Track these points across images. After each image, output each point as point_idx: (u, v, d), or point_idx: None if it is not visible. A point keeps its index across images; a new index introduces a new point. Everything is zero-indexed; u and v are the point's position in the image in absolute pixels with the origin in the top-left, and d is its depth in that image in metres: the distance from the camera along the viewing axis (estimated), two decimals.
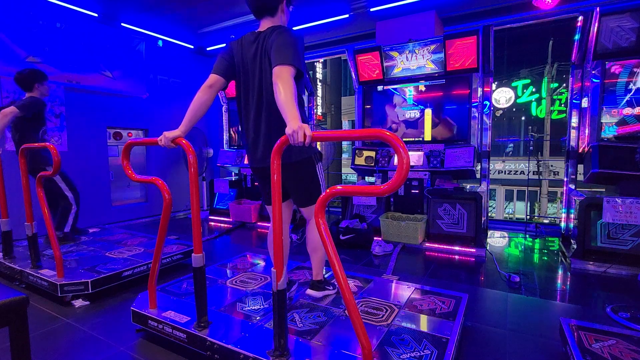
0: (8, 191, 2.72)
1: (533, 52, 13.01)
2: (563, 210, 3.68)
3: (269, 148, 1.72)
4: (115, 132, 4.81)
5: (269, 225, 2.16)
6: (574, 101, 3.52)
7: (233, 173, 5.57)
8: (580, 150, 3.44)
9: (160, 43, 5.24)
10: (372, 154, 4.25)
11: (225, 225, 4.87)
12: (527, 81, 12.13)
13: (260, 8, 1.76)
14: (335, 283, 2.12)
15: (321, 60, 12.32)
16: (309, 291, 2.08)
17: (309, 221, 2.00)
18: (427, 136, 4.10)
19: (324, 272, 2.12)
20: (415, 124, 4.16)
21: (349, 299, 1.21)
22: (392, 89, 4.27)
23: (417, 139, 4.15)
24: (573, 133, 3.50)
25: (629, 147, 2.97)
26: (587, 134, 3.33)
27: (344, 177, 11.28)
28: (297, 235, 4.05)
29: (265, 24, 1.78)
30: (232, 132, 5.58)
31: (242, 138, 1.94)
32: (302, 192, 1.90)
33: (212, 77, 1.76)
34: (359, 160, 4.32)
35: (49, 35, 3.98)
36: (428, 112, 4.07)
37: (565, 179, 3.62)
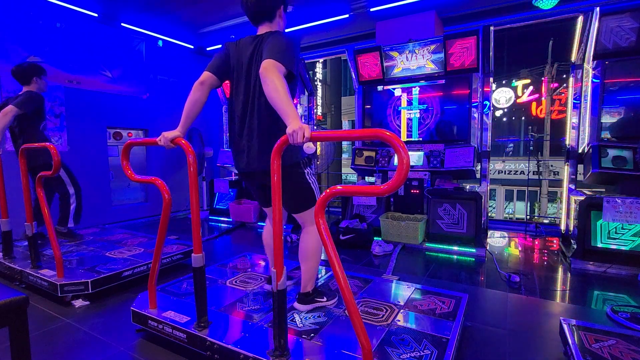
0: (8, 191, 2.72)
1: (533, 52, 13.02)
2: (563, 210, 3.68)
3: (260, 152, 1.70)
4: (115, 132, 4.81)
5: (264, 224, 2.14)
6: (574, 101, 3.52)
7: (233, 173, 5.57)
8: (580, 150, 3.44)
9: (160, 43, 5.23)
10: (372, 154, 4.25)
11: (225, 225, 4.87)
12: (527, 81, 12.13)
13: (257, 13, 1.75)
14: (331, 292, 2.06)
15: (321, 60, 12.33)
16: (296, 304, 1.93)
17: (303, 228, 1.92)
18: (427, 136, 4.10)
19: (314, 283, 1.98)
20: (415, 124, 4.17)
21: (349, 299, 1.21)
22: (392, 89, 4.27)
23: (417, 139, 4.15)
24: (573, 133, 3.51)
25: (629, 147, 2.98)
26: (587, 134, 3.33)
27: (344, 177, 11.28)
28: (297, 235, 4.05)
29: (262, 30, 1.77)
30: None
31: (230, 141, 1.88)
32: (291, 198, 1.82)
33: (204, 74, 1.75)
34: (359, 161, 4.32)
35: (49, 35, 3.98)
36: (428, 112, 4.07)
37: (565, 179, 3.62)
